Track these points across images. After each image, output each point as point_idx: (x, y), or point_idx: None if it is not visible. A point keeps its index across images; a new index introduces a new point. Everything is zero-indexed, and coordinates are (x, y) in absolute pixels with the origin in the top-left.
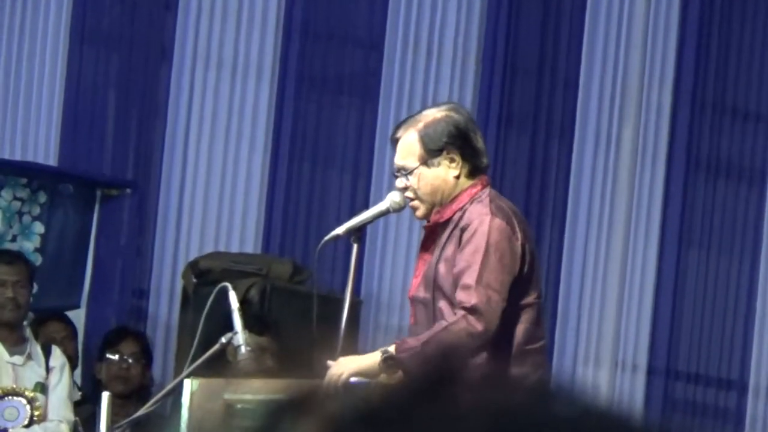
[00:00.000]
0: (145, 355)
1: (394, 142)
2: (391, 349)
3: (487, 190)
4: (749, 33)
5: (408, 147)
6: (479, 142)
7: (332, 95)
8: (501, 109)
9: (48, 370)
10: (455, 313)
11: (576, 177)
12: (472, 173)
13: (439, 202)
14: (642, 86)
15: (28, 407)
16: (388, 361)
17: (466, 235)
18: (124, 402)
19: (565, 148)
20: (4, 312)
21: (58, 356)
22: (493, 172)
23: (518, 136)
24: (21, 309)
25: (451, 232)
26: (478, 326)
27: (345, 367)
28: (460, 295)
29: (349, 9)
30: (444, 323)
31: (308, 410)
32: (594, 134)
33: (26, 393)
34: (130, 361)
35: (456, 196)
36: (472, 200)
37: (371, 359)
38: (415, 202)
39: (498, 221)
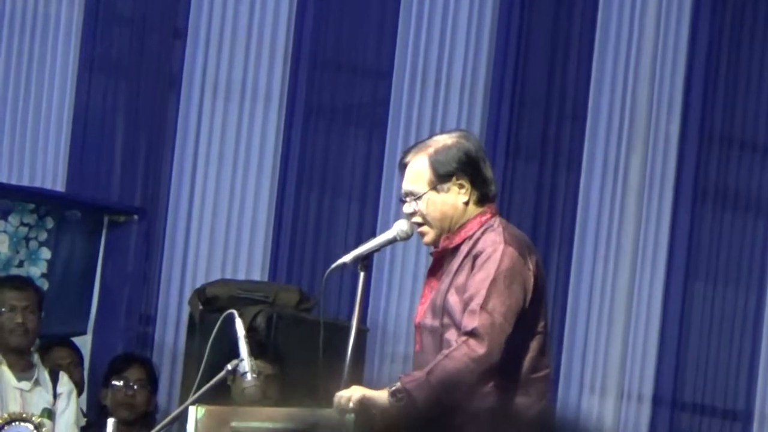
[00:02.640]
0: (151, 381)
1: (403, 167)
2: (398, 383)
3: (497, 219)
4: (757, 65)
5: (417, 172)
6: (488, 171)
7: (340, 124)
8: (509, 138)
9: (55, 396)
10: (458, 339)
11: (583, 207)
12: (481, 201)
13: (448, 228)
14: (650, 117)
15: None
16: (396, 394)
17: (478, 262)
18: (129, 428)
19: (573, 179)
20: (13, 337)
21: (65, 382)
22: (500, 201)
23: (526, 166)
24: (30, 335)
25: (463, 260)
26: (480, 350)
27: (356, 390)
28: (465, 320)
29: (358, 38)
30: (446, 351)
31: None
32: (602, 165)
33: (33, 418)
34: (136, 387)
35: (465, 223)
36: (483, 228)
37: (381, 394)
38: (424, 228)
39: (511, 250)
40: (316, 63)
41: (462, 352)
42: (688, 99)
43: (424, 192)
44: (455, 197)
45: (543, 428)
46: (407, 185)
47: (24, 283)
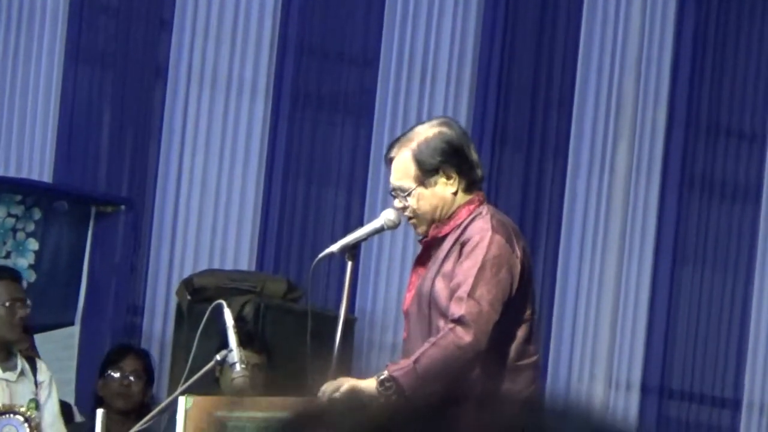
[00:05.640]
0: (147, 372)
1: (389, 161)
2: (385, 372)
3: (485, 206)
4: (744, 52)
5: (403, 167)
6: (473, 155)
7: (327, 113)
8: (495, 128)
9: (36, 384)
10: (445, 327)
11: (570, 196)
12: (469, 187)
13: (439, 218)
14: (636, 106)
15: (25, 425)
16: (384, 383)
17: (466, 249)
18: (123, 419)
19: (560, 168)
20: (16, 331)
21: (44, 371)
22: (487, 191)
23: (513, 156)
24: (24, 327)
25: (450, 247)
26: (466, 337)
27: (345, 380)
28: (452, 307)
29: (344, 27)
30: (433, 338)
31: (312, 428)
32: (588, 154)
33: (23, 411)
34: (131, 378)
35: (454, 212)
36: (471, 216)
37: (368, 383)
38: (415, 221)
39: (498, 237)
40: (302, 52)
41: (448, 339)
42: (674, 87)
43: (412, 188)
44: (443, 189)
45: (532, 414)
46: (395, 181)
47: (18, 275)
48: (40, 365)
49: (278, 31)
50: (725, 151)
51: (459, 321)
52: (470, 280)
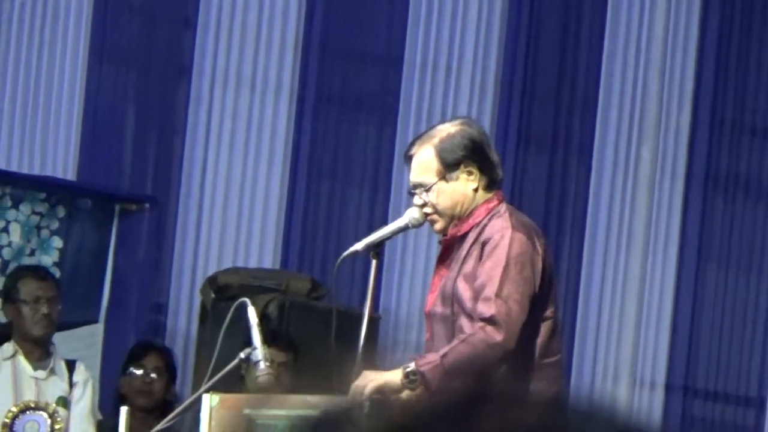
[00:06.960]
0: (169, 370)
1: (408, 159)
2: (412, 365)
3: (504, 205)
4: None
5: (425, 163)
6: (494, 155)
7: (351, 113)
8: (520, 128)
9: (71, 384)
10: (474, 326)
11: (595, 196)
12: (489, 186)
13: (458, 215)
14: (661, 105)
15: (49, 421)
16: (409, 375)
17: (487, 249)
18: (146, 416)
19: (584, 168)
20: (38, 328)
21: (82, 371)
22: (511, 191)
23: (537, 156)
24: (53, 326)
25: (470, 247)
26: (497, 337)
27: (369, 379)
28: (480, 307)
29: (368, 27)
30: (462, 336)
31: (340, 428)
32: (613, 153)
33: (48, 407)
34: (153, 375)
35: (473, 211)
36: (490, 215)
37: (394, 375)
38: (434, 216)
39: (519, 235)
40: (326, 52)
41: (479, 337)
42: (699, 86)
43: (433, 182)
44: (465, 185)
45: (556, 414)
46: (415, 177)
47: (48, 274)
48: (79, 366)
49: (302, 30)
50: (749, 150)
51: (490, 320)
52: (496, 280)
